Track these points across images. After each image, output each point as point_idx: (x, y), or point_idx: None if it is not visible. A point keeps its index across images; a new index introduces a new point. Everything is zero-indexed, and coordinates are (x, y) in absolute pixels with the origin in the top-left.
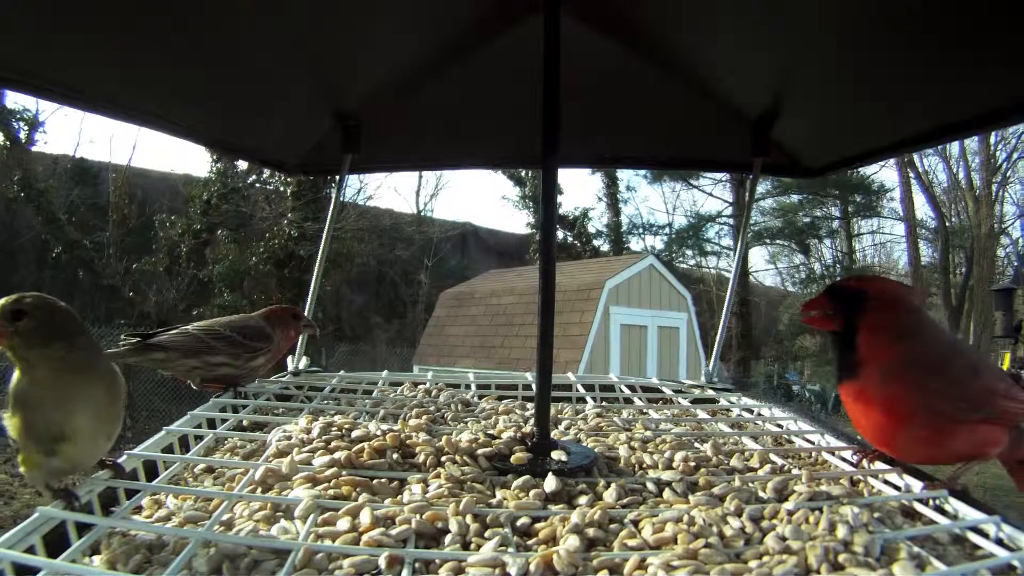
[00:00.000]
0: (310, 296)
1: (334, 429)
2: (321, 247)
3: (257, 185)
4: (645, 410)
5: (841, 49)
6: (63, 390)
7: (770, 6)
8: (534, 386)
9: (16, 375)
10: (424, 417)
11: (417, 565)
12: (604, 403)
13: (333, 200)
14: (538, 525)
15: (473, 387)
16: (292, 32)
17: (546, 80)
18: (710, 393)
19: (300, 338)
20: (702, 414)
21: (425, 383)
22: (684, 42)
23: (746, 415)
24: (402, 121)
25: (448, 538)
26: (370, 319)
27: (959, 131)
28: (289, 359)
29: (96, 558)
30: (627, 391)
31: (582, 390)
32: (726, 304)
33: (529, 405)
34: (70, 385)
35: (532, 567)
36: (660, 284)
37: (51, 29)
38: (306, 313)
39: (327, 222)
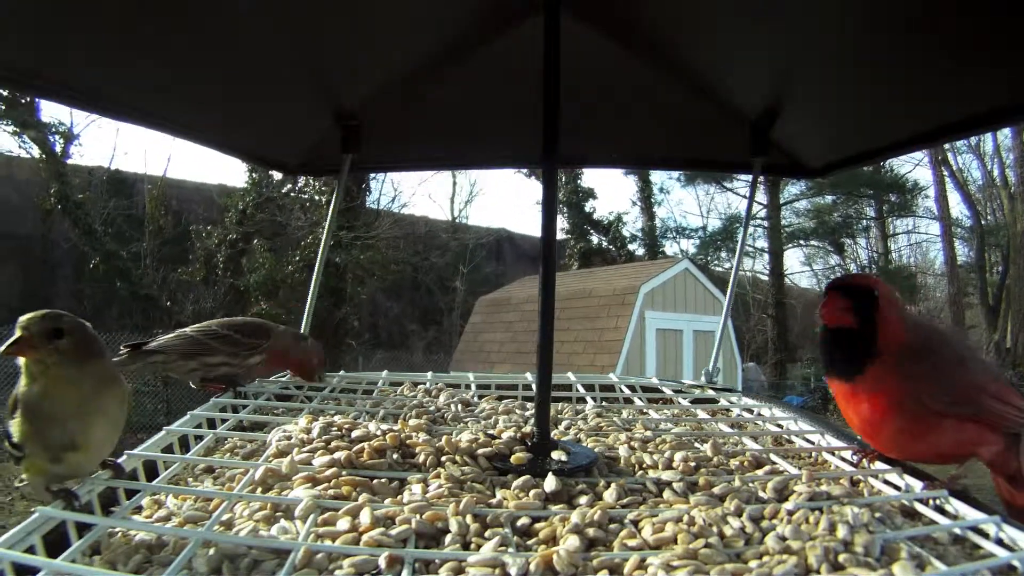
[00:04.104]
0: (310, 295)
1: (334, 429)
2: (322, 246)
3: (292, 194)
4: (645, 410)
5: (841, 49)
6: (89, 404)
7: (770, 6)
8: (534, 386)
9: (32, 387)
10: (424, 417)
11: (417, 565)
12: (604, 403)
13: (334, 200)
14: (538, 525)
15: (473, 387)
16: (292, 32)
17: (546, 80)
18: (710, 393)
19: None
20: (702, 414)
21: (425, 383)
22: (684, 42)
23: (746, 415)
24: (402, 121)
25: (448, 538)
26: (406, 326)
27: (959, 131)
28: None
29: (96, 558)
30: (627, 391)
31: (582, 390)
32: (725, 305)
33: (529, 405)
34: (95, 399)
35: (532, 567)
36: (695, 288)
37: (51, 30)
38: (305, 315)
39: (327, 220)
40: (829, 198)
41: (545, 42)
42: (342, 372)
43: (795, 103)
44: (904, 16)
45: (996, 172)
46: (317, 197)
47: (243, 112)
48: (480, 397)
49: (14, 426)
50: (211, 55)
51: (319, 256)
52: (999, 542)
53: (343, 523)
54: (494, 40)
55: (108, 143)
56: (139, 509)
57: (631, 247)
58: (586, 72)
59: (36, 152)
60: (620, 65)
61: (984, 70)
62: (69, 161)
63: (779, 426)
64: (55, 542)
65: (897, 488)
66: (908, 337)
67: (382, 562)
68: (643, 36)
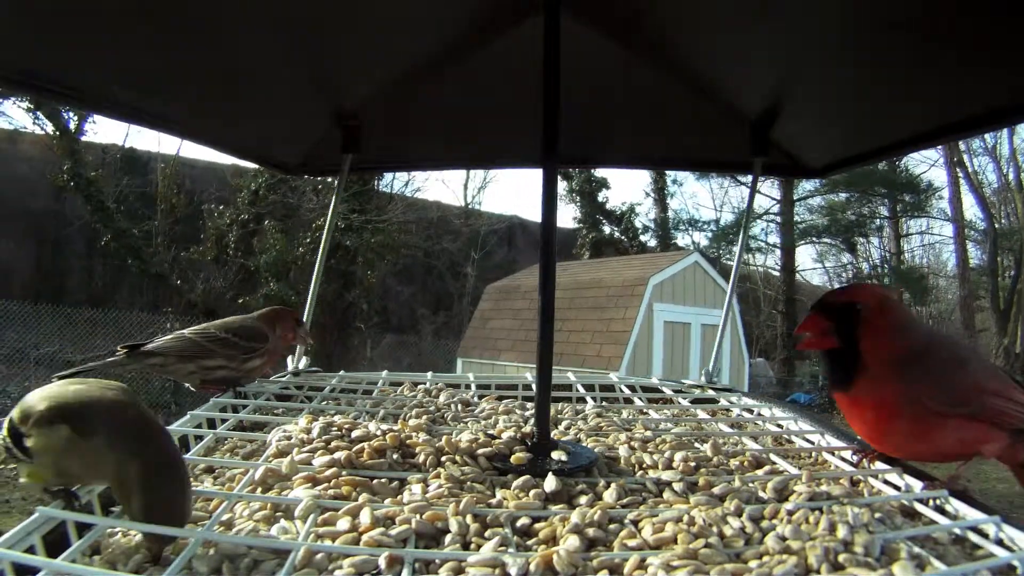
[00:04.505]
0: (311, 293)
1: (334, 429)
2: (322, 245)
3: (305, 176)
4: (645, 410)
5: (841, 49)
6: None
7: (770, 6)
8: (534, 386)
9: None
10: (424, 417)
11: (417, 565)
12: (604, 403)
13: (334, 201)
14: (538, 525)
15: (473, 387)
16: (292, 32)
17: (546, 80)
18: (710, 393)
19: (298, 346)
20: (702, 414)
21: (425, 383)
22: (684, 42)
23: (746, 415)
24: (402, 121)
25: (448, 538)
26: (416, 311)
27: (960, 131)
28: (289, 359)
29: (96, 558)
30: (627, 391)
31: (582, 390)
32: (725, 305)
33: (529, 405)
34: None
35: (532, 567)
36: (705, 281)
37: (50, 30)
38: (307, 307)
39: (328, 220)
40: (843, 196)
41: (545, 42)
42: (342, 372)
43: (795, 103)
44: (904, 16)
45: (1012, 176)
46: (330, 179)
47: (243, 112)
48: (480, 397)
49: (34, 439)
50: (211, 55)
51: (320, 254)
52: (999, 542)
53: (343, 523)
54: (494, 40)
55: (123, 121)
56: None
57: (643, 238)
58: (586, 72)
59: (50, 128)
60: (620, 65)
61: (984, 70)
62: (83, 138)
63: (779, 426)
64: (55, 542)
65: (897, 488)
66: (905, 342)
67: (382, 562)
68: (643, 36)
